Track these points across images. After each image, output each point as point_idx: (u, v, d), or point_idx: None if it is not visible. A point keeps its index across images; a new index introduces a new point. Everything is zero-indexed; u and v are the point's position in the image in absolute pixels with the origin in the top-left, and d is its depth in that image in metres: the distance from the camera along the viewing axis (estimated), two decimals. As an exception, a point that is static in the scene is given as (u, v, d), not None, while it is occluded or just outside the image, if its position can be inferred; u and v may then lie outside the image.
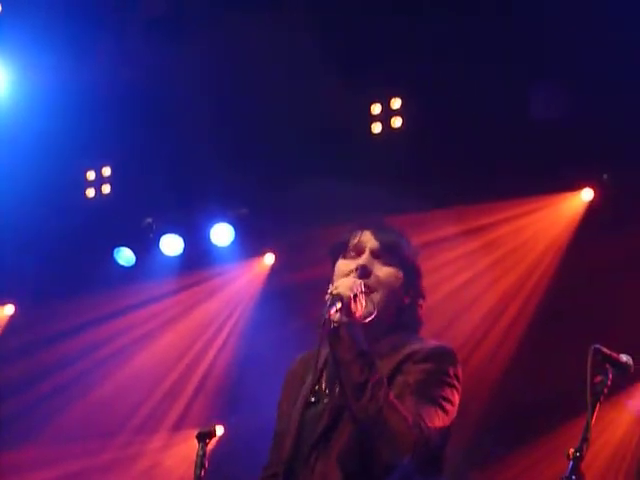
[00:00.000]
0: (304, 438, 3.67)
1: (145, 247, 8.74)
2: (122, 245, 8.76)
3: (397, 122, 7.87)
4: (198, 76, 7.89)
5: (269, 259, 8.77)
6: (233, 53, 7.75)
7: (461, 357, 8.85)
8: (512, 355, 8.23)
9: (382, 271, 3.75)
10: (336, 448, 3.59)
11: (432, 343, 3.77)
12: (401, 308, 3.81)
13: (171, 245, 8.69)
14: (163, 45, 7.69)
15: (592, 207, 7.78)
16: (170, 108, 8.02)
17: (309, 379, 3.77)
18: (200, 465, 3.69)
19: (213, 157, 8.07)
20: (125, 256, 8.78)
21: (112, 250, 8.77)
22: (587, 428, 3.18)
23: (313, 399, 3.74)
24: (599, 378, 3.31)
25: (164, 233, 8.65)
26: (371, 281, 3.71)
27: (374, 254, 3.78)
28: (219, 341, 8.79)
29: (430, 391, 3.57)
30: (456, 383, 3.66)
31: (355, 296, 3.53)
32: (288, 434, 3.73)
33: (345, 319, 3.50)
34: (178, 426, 8.93)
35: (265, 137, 8.07)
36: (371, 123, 7.93)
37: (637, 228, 7.45)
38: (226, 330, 8.82)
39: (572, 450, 3.15)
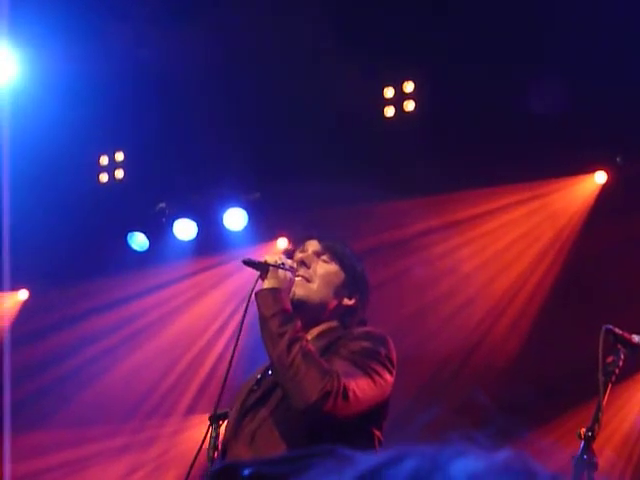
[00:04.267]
0: (242, 414, 3.73)
1: (158, 232, 8.73)
2: (135, 230, 8.76)
3: (410, 106, 7.86)
4: (212, 60, 7.88)
5: (282, 243, 8.76)
6: (246, 36, 7.73)
7: (478, 334, 8.82)
8: (526, 335, 8.24)
9: (321, 266, 3.89)
10: (268, 409, 3.65)
11: (366, 328, 3.84)
12: (343, 307, 3.87)
13: (184, 230, 8.68)
14: (176, 29, 7.67)
15: (605, 190, 7.77)
16: (183, 92, 8.01)
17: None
18: (213, 447, 3.72)
19: (226, 142, 8.06)
20: (138, 241, 8.78)
21: (125, 235, 8.76)
22: (599, 408, 3.18)
23: (256, 387, 3.81)
24: (611, 358, 3.31)
25: (177, 218, 8.64)
26: (309, 273, 3.84)
27: (317, 254, 3.93)
28: (232, 326, 8.79)
29: (360, 360, 3.59)
30: (388, 364, 3.66)
31: (281, 265, 3.69)
32: (230, 418, 3.78)
33: (273, 282, 3.67)
34: (191, 410, 8.94)
35: (277, 121, 8.06)
36: (384, 107, 7.92)
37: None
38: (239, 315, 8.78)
39: (584, 430, 3.15)
